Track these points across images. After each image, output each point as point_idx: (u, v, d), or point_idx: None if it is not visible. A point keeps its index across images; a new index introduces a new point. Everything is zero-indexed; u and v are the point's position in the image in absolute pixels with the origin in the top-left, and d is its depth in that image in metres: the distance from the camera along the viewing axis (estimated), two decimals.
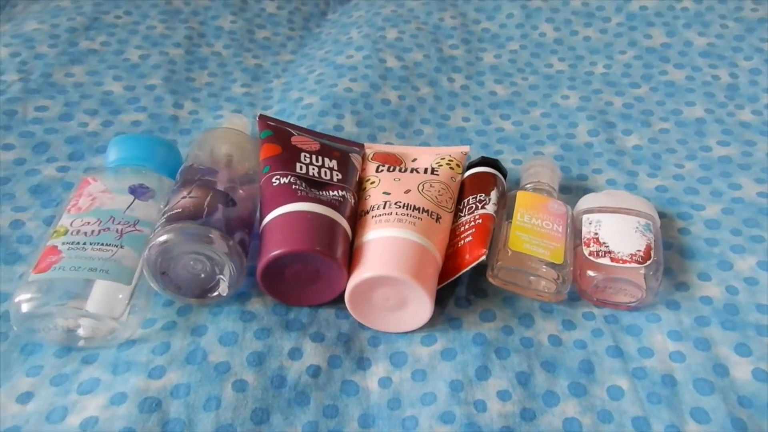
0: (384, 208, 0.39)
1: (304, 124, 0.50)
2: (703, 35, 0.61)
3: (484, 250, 0.38)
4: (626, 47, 0.62)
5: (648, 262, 0.37)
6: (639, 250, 0.38)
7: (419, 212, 0.39)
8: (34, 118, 0.49)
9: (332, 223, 0.37)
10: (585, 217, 0.41)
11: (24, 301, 0.33)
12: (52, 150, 0.47)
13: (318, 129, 0.50)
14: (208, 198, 0.36)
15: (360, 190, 0.42)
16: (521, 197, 0.41)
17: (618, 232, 0.39)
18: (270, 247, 0.36)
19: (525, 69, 0.61)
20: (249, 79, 0.58)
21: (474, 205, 0.41)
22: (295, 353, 0.35)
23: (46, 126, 0.49)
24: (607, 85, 0.58)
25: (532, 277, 0.38)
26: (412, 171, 0.43)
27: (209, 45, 0.61)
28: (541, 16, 0.66)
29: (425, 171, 0.43)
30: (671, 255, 0.42)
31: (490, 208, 0.41)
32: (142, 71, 0.56)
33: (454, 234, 0.40)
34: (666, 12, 0.63)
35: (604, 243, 0.39)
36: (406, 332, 0.37)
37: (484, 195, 0.42)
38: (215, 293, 0.36)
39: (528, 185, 0.44)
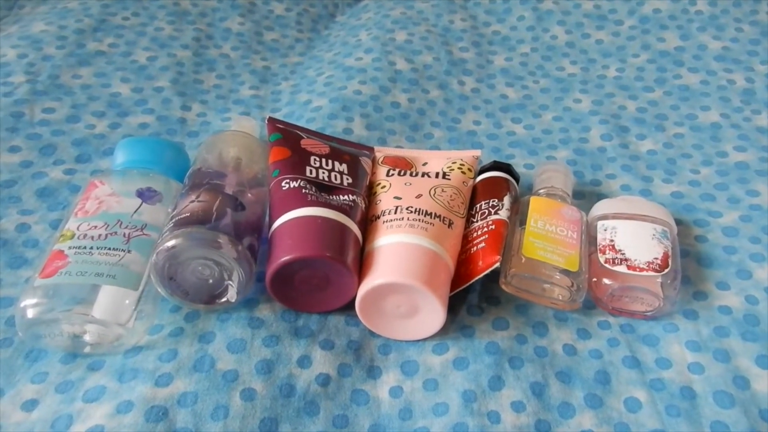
0: (395, 213, 0.38)
1: (312, 126, 0.50)
2: (717, 39, 0.60)
3: (498, 257, 0.37)
4: (639, 50, 0.61)
5: (665, 271, 0.37)
6: (656, 258, 0.37)
7: (431, 217, 0.38)
8: (41, 120, 0.49)
9: (343, 228, 0.36)
10: (600, 223, 0.40)
11: (29, 306, 0.32)
12: (59, 152, 0.46)
13: (327, 132, 0.49)
14: (217, 202, 0.36)
15: (370, 194, 0.42)
16: (535, 203, 0.41)
17: (634, 239, 0.38)
18: (279, 252, 0.35)
19: (536, 72, 0.60)
20: (257, 81, 0.58)
21: (487, 211, 0.40)
22: (304, 361, 0.34)
23: (53, 128, 0.48)
24: (620, 88, 0.57)
25: (546, 285, 0.37)
26: (423, 175, 0.43)
27: (217, 47, 0.61)
28: (552, 19, 0.65)
29: (436, 175, 0.42)
30: (688, 263, 0.41)
31: (503, 214, 0.40)
32: (150, 73, 0.55)
33: (466, 240, 0.39)
34: (680, 15, 0.63)
35: (620, 250, 0.38)
36: (418, 340, 0.36)
37: (497, 200, 0.41)
38: (223, 299, 0.36)
39: (541, 190, 0.43)
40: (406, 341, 0.36)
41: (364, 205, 0.40)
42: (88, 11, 0.61)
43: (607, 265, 0.37)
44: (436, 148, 0.52)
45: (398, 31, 0.63)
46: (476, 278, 0.37)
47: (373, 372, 0.35)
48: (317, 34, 0.67)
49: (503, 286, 0.37)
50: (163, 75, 0.55)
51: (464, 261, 0.38)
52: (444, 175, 0.43)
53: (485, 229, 0.39)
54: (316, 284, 0.36)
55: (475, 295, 0.39)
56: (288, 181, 0.39)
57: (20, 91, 0.50)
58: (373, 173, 0.44)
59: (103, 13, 0.61)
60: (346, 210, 0.38)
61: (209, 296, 0.36)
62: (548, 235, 0.38)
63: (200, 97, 0.55)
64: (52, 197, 0.43)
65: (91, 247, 0.34)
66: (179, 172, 0.41)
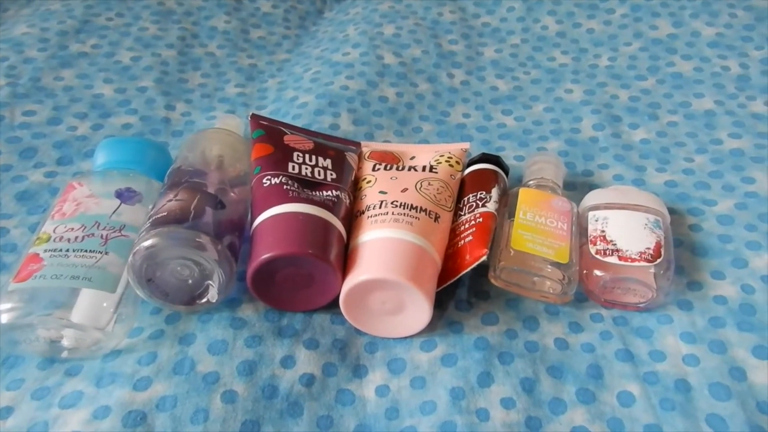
0: (380, 207, 0.37)
1: (299, 123, 0.49)
2: (711, 25, 0.59)
3: (486, 250, 0.36)
4: (631, 39, 0.60)
5: (658, 261, 0.36)
6: (648, 248, 0.36)
7: (417, 211, 0.37)
8: (21, 123, 0.48)
9: (325, 225, 0.36)
10: (591, 214, 0.39)
11: (4, 311, 0.32)
12: (39, 155, 0.46)
13: (314, 128, 0.48)
14: (195, 201, 0.35)
15: (356, 189, 0.41)
16: (524, 194, 0.40)
17: (626, 229, 0.37)
18: (260, 250, 0.34)
19: (527, 63, 0.59)
20: (243, 79, 0.57)
21: (474, 204, 0.39)
22: (287, 361, 0.33)
23: (34, 131, 0.47)
24: (612, 78, 0.56)
25: (536, 278, 0.36)
26: (409, 169, 0.42)
27: (203, 45, 0.60)
28: (542, 9, 0.64)
29: (423, 169, 0.42)
30: (682, 253, 0.40)
31: (491, 206, 0.39)
32: (134, 73, 0.55)
33: (453, 234, 0.38)
34: (672, 2, 0.62)
35: (611, 241, 0.37)
36: (405, 337, 0.35)
37: (485, 193, 0.40)
38: (204, 300, 0.35)
39: (531, 182, 0.42)
40: (393, 338, 0.35)
41: (348, 201, 0.39)
42: (71, 12, 0.60)
43: (598, 257, 0.36)
44: (425, 142, 0.51)
45: (386, 25, 0.62)
46: (463, 272, 0.36)
47: (359, 371, 0.34)
48: (305, 30, 0.66)
49: (492, 280, 0.37)
50: (147, 75, 0.55)
51: (452, 255, 0.37)
52: (431, 168, 0.42)
53: (473, 222, 0.38)
54: (299, 282, 0.35)
55: (463, 289, 0.38)
56: (269, 177, 0.38)
57: (0, 95, 0.50)
58: (359, 168, 0.43)
59: (86, 14, 0.60)
60: (329, 206, 0.37)
61: (190, 297, 0.35)
62: (538, 226, 0.37)
63: (185, 97, 0.54)
64: (32, 201, 0.42)
65: (67, 250, 0.34)
66: (161, 172, 0.40)
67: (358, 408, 0.32)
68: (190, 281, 0.34)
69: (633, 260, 0.36)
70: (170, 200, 0.35)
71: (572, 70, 0.58)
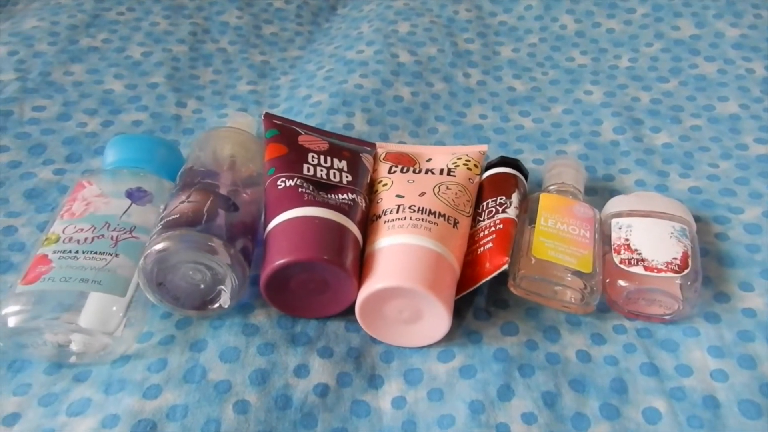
0: (397, 212, 0.36)
1: (312, 122, 0.48)
2: (735, 26, 0.58)
3: (507, 258, 0.35)
4: (653, 39, 0.58)
5: (685, 271, 0.34)
6: (675, 258, 0.35)
7: (435, 217, 0.36)
8: (30, 119, 0.47)
9: (341, 229, 0.35)
10: (614, 221, 0.38)
11: (11, 314, 0.31)
12: (48, 152, 0.45)
13: (327, 128, 0.47)
14: (208, 203, 0.34)
15: (371, 192, 0.40)
16: (544, 200, 0.38)
17: (651, 238, 0.36)
18: (274, 255, 0.33)
19: (545, 63, 0.58)
20: (255, 76, 0.56)
21: (494, 209, 0.38)
22: (301, 370, 0.32)
23: (43, 127, 0.47)
24: (632, 79, 0.55)
25: (557, 287, 0.35)
26: (426, 172, 0.41)
27: (214, 41, 0.59)
28: (561, 8, 0.62)
29: (441, 172, 0.40)
30: (708, 262, 0.38)
31: (511, 212, 0.38)
32: (144, 69, 0.54)
33: (472, 240, 0.37)
34: (695, 1, 0.60)
35: (636, 250, 0.36)
36: (422, 347, 0.34)
37: (504, 198, 0.39)
38: (216, 305, 0.34)
39: (551, 187, 0.41)
40: (410, 348, 0.34)
41: (364, 204, 0.38)
42: (81, 6, 0.59)
43: (622, 266, 0.35)
44: (441, 143, 0.49)
45: (401, 22, 0.61)
46: (483, 281, 0.35)
47: (374, 381, 0.33)
48: (318, 27, 0.65)
49: (512, 289, 0.36)
50: (158, 71, 0.54)
51: (470, 262, 0.36)
52: (449, 171, 0.40)
53: (492, 229, 0.37)
54: (313, 288, 0.34)
55: (482, 298, 0.37)
56: (284, 179, 0.37)
57: (9, 89, 0.49)
58: (375, 170, 0.42)
59: (96, 9, 0.59)
60: (345, 210, 0.36)
61: (201, 302, 0.34)
62: (559, 234, 0.36)
63: (196, 93, 0.53)
64: (40, 198, 0.41)
65: (77, 251, 0.33)
66: (172, 171, 0.39)
67: (374, 420, 0.31)
68: (201, 286, 0.33)
69: (659, 270, 0.35)
70: (183, 202, 0.34)
71: (591, 71, 0.57)
